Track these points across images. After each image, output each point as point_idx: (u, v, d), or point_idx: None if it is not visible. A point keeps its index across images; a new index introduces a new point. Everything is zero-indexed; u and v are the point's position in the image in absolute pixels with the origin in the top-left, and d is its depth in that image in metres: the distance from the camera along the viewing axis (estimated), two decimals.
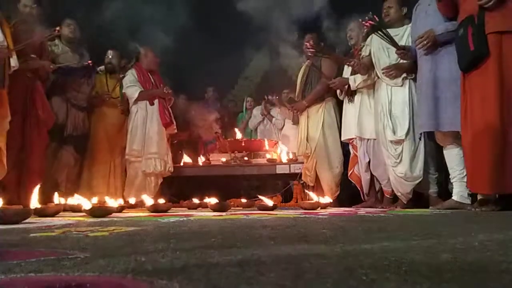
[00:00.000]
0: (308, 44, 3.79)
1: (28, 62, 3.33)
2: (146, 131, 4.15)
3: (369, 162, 3.54)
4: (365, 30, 3.13)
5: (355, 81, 3.53)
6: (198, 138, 5.67)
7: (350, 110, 3.69)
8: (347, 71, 3.76)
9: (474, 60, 2.45)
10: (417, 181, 3.13)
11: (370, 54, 3.36)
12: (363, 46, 3.51)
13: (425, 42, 2.83)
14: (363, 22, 3.11)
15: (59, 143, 3.83)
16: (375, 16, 3.11)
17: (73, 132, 3.93)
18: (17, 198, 3.10)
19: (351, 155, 3.77)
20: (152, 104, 4.22)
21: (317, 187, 3.96)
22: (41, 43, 3.50)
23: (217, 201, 2.99)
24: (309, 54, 3.90)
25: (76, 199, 2.87)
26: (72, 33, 4.02)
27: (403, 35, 3.23)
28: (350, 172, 3.75)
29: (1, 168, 2.94)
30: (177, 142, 5.01)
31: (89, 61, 3.99)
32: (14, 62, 3.02)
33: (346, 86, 3.65)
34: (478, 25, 2.42)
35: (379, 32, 3.09)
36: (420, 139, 3.07)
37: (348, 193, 3.94)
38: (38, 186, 2.28)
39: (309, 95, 3.95)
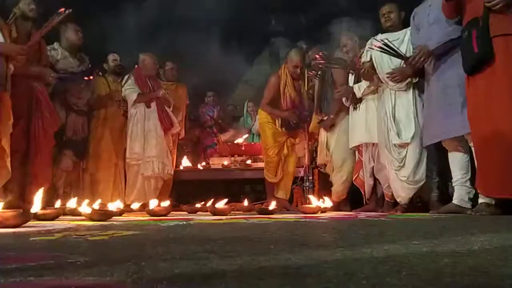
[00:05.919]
0: (317, 56, 3.81)
1: (30, 68, 3.31)
2: (145, 133, 4.13)
3: (373, 167, 3.54)
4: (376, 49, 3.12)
5: (360, 89, 3.53)
6: (197, 140, 5.67)
7: (356, 117, 3.67)
8: (350, 78, 3.76)
9: (478, 63, 2.44)
10: (419, 185, 3.13)
11: (371, 59, 3.36)
12: (363, 52, 3.51)
13: (421, 60, 2.85)
14: (375, 44, 3.11)
15: (58, 147, 3.82)
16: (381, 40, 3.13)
17: (72, 137, 3.91)
18: (21, 201, 3.07)
19: (357, 160, 3.76)
20: (149, 106, 4.22)
21: (318, 191, 3.96)
22: (40, 47, 3.46)
23: (220, 204, 2.98)
24: (320, 66, 3.93)
25: (76, 203, 2.87)
26: (79, 40, 3.97)
27: (404, 39, 3.23)
28: (355, 176, 3.75)
29: (5, 171, 2.92)
30: (178, 144, 4.98)
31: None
32: (11, 64, 3.00)
33: (351, 94, 3.66)
34: (482, 28, 2.40)
35: (387, 50, 3.08)
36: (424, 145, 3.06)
37: (349, 198, 3.93)
38: (41, 189, 2.27)
39: (333, 107, 3.95)
